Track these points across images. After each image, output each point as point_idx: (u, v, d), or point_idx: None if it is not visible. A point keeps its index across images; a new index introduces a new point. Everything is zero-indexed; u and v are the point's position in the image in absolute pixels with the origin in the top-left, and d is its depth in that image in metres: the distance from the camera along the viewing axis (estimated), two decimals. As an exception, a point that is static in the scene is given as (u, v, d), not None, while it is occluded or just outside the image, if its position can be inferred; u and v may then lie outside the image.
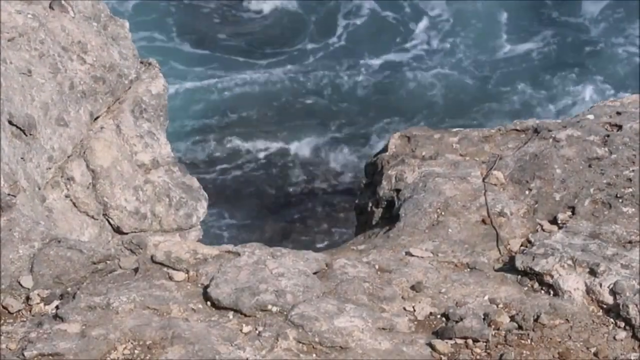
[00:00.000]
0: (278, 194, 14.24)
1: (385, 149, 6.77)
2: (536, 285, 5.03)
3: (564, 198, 5.81)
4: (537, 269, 5.05)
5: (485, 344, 4.61)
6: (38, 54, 6.38)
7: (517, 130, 6.65)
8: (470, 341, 4.61)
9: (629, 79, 15.97)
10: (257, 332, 4.56)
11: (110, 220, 6.79)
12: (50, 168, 6.30)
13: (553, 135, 6.30)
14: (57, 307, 4.69)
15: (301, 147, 15.01)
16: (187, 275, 4.95)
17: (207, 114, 15.49)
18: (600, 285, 4.89)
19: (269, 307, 4.70)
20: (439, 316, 4.86)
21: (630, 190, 5.72)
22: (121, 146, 6.85)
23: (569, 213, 5.66)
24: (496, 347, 4.60)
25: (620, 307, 4.77)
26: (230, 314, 4.69)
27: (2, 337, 4.46)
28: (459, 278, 5.17)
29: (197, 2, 17.45)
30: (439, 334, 4.69)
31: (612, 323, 4.77)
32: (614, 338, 4.69)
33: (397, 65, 16.52)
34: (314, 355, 4.47)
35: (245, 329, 4.58)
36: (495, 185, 6.02)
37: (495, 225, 5.65)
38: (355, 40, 17.02)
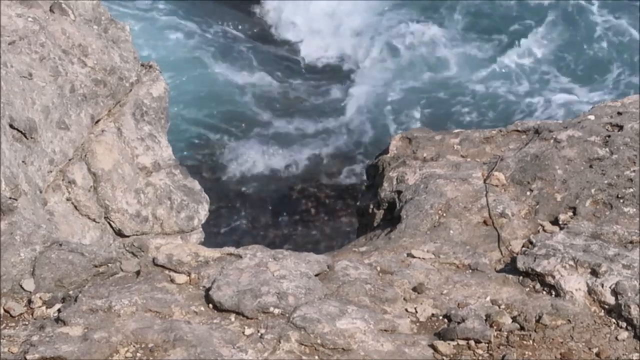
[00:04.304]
0: (279, 196, 14.24)
1: (386, 151, 6.77)
2: (538, 286, 5.03)
3: (565, 199, 5.81)
4: (538, 269, 5.05)
5: (487, 345, 4.61)
6: (39, 57, 6.38)
7: (518, 131, 6.65)
8: (472, 342, 4.62)
9: (628, 79, 15.97)
10: (259, 334, 4.56)
11: (111, 223, 6.79)
12: (51, 171, 6.30)
13: (554, 136, 6.30)
14: (59, 310, 4.69)
15: (302, 149, 15.01)
16: (188, 277, 4.96)
17: (209, 116, 15.49)
18: (602, 286, 4.89)
19: (271, 309, 4.70)
20: (440, 317, 4.87)
21: (631, 190, 5.72)
22: (122, 149, 6.85)
23: (570, 214, 5.67)
24: (498, 348, 4.61)
25: (622, 307, 4.77)
26: (232, 317, 4.69)
27: (4, 341, 4.46)
28: (461, 279, 5.17)
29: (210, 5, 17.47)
30: (441, 335, 4.69)
31: (614, 323, 4.77)
32: (616, 338, 4.69)
33: (397, 65, 16.53)
34: (316, 357, 4.47)
35: (247, 331, 4.58)
36: (497, 186, 6.02)
37: (497, 226, 5.65)
38: (354, 42, 17.03)
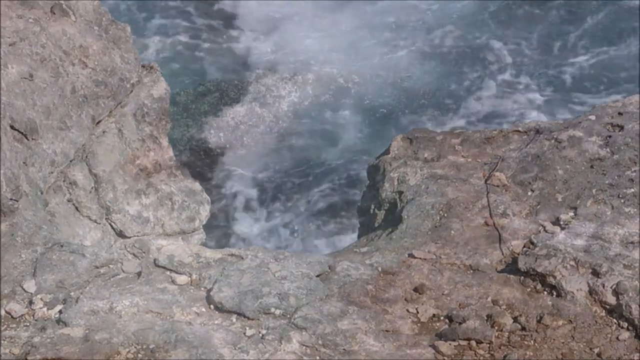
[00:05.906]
0: (280, 196, 14.24)
1: (387, 151, 6.77)
2: (539, 286, 5.03)
3: (566, 199, 5.81)
4: (539, 270, 5.05)
5: (488, 345, 4.61)
6: (39, 58, 6.38)
7: (518, 131, 6.65)
8: (473, 342, 4.62)
9: (629, 79, 15.97)
10: (260, 335, 4.56)
11: (112, 224, 6.79)
12: (52, 172, 6.30)
13: (555, 136, 6.30)
14: (60, 312, 4.70)
15: (303, 150, 15.02)
16: (190, 278, 4.96)
17: (209, 115, 15.49)
18: (603, 286, 4.89)
19: (272, 310, 4.71)
20: (442, 318, 4.86)
21: (632, 190, 5.72)
22: (123, 150, 6.85)
23: (571, 214, 5.66)
24: (499, 348, 4.60)
25: (623, 307, 4.77)
26: (234, 317, 4.69)
27: (6, 342, 4.46)
28: (462, 280, 5.17)
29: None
30: (443, 336, 4.69)
31: (615, 323, 4.77)
32: (617, 338, 4.69)
33: (399, 66, 16.53)
34: (318, 357, 4.47)
35: (249, 332, 4.58)
36: (498, 186, 6.02)
37: (498, 227, 5.65)
38: (358, 40, 17.04)
